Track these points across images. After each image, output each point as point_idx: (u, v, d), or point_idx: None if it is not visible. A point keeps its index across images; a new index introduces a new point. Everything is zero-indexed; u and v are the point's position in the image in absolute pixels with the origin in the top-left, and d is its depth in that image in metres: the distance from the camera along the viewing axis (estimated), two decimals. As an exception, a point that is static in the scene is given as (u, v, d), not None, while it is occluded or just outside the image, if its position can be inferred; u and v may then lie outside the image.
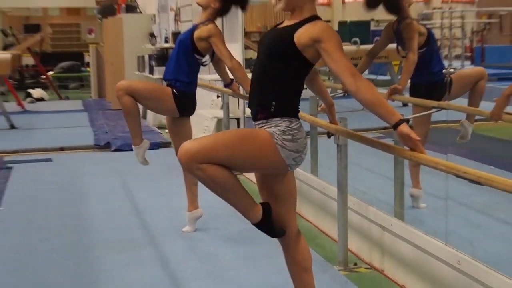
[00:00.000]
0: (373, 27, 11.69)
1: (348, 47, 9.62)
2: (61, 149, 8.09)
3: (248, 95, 3.74)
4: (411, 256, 3.58)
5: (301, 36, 2.59)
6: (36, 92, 13.82)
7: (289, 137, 2.63)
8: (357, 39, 9.37)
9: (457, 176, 2.46)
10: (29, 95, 13.57)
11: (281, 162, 2.64)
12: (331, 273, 3.78)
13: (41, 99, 13.68)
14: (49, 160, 7.53)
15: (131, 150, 7.14)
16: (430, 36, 4.71)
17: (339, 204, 3.92)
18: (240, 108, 6.58)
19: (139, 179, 6.37)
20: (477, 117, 4.95)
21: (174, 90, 4.46)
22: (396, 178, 4.04)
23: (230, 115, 6.51)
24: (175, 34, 9.25)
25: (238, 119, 6.65)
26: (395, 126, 2.55)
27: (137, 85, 4.60)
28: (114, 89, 12.38)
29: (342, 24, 12.38)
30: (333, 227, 4.28)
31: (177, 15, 9.39)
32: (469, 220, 4.26)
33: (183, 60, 4.55)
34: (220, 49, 4.46)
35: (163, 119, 9.14)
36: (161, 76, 9.72)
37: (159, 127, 9.40)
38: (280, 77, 2.67)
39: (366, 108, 2.60)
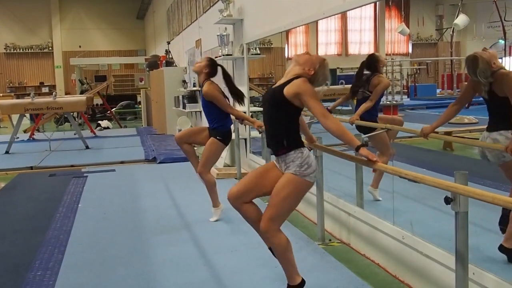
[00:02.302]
0: (338, 73, 11.66)
1: (321, 88, 9.61)
2: (122, 162, 8.05)
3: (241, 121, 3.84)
4: (369, 234, 3.55)
5: (288, 90, 2.62)
6: (104, 123, 13.83)
7: (306, 166, 2.64)
8: (328, 82, 9.34)
9: (400, 176, 2.43)
10: (98, 125, 13.59)
11: (310, 184, 2.70)
12: (313, 247, 3.75)
13: (107, 128, 13.68)
14: (113, 170, 7.48)
15: (172, 162, 7.13)
16: None
17: (317, 198, 3.90)
18: (247, 132, 6.56)
19: (177, 183, 6.32)
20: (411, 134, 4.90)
21: (217, 138, 4.40)
22: (357, 179, 4.00)
23: (240, 136, 6.50)
24: (200, 81, 9.30)
25: (245, 139, 6.63)
26: (356, 149, 2.57)
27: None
28: (159, 119, 12.35)
29: (316, 71, 12.29)
30: (313, 214, 4.27)
31: (201, 68, 9.40)
32: (409, 207, 4.22)
33: (209, 109, 4.47)
34: (216, 101, 4.34)
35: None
36: (191, 110, 9.76)
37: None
38: (282, 121, 2.69)
39: (334, 136, 2.60)
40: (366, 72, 4.54)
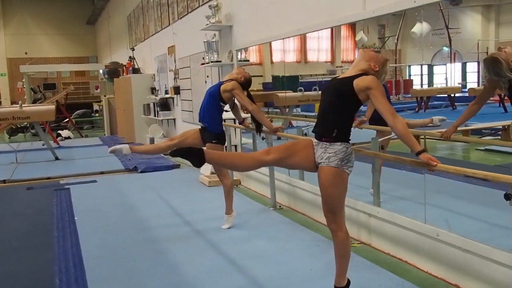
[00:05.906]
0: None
1: (295, 94, 9.48)
2: (102, 172, 7.80)
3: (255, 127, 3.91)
4: (395, 233, 3.66)
5: (358, 83, 2.69)
6: (64, 132, 13.30)
7: (346, 161, 2.72)
8: (302, 88, 9.27)
9: (466, 175, 2.52)
10: (59, 135, 13.03)
11: (348, 174, 2.76)
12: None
13: (68, 138, 13.19)
14: (94, 181, 7.23)
15: (154, 171, 6.89)
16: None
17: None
18: (237, 138, 6.56)
19: (168, 192, 6.21)
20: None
21: (213, 142, 4.41)
22: (374, 180, 4.03)
23: (232, 143, 6.48)
24: (176, 88, 9.17)
25: (235, 146, 6.61)
26: (418, 154, 2.65)
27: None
28: (127, 128, 12.00)
29: (275, 77, 11.90)
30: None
31: (176, 75, 9.30)
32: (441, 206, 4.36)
33: (213, 106, 4.50)
34: (241, 98, 4.46)
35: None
36: (165, 118, 9.61)
37: (165, 155, 9.18)
38: (341, 111, 2.75)
39: (398, 137, 2.68)
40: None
